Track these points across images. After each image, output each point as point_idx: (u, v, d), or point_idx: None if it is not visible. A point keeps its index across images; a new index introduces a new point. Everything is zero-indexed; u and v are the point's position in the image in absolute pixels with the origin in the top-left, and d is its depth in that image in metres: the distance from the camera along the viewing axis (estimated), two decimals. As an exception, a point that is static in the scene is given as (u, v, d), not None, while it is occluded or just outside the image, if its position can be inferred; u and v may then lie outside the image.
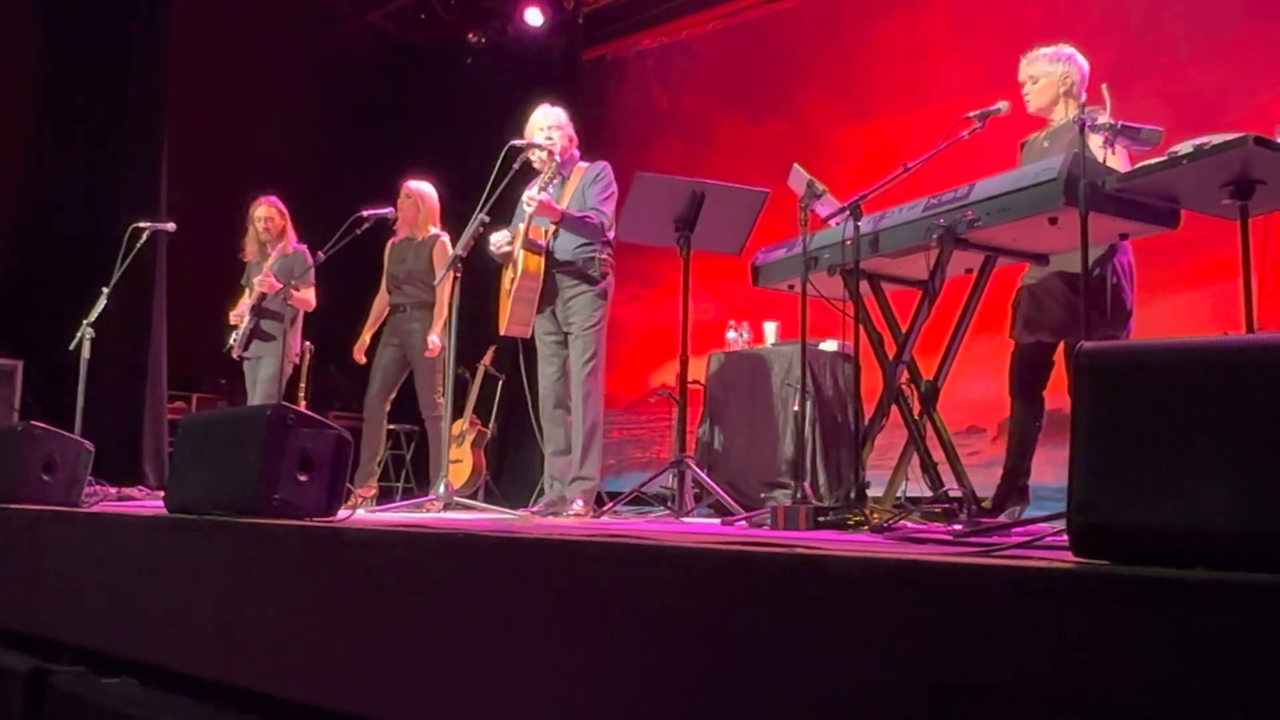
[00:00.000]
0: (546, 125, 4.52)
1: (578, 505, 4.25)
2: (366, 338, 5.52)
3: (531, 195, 4.35)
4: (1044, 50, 3.79)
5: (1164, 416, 1.22)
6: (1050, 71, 3.74)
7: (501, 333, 4.52)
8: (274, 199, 5.81)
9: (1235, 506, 1.16)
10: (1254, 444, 1.16)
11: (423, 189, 5.50)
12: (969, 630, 1.25)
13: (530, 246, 4.39)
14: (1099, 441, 1.26)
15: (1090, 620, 1.16)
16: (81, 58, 7.34)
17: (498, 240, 4.46)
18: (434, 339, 5.19)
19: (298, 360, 5.71)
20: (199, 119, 7.68)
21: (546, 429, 4.60)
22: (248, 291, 5.74)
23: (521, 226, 4.41)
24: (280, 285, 5.42)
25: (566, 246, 4.40)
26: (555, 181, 4.48)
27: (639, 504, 4.72)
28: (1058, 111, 3.76)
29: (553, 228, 4.39)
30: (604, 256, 4.43)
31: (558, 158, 4.44)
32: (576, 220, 4.35)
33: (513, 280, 4.41)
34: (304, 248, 5.68)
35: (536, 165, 4.48)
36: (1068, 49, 3.78)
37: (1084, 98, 3.69)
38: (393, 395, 5.45)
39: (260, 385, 5.59)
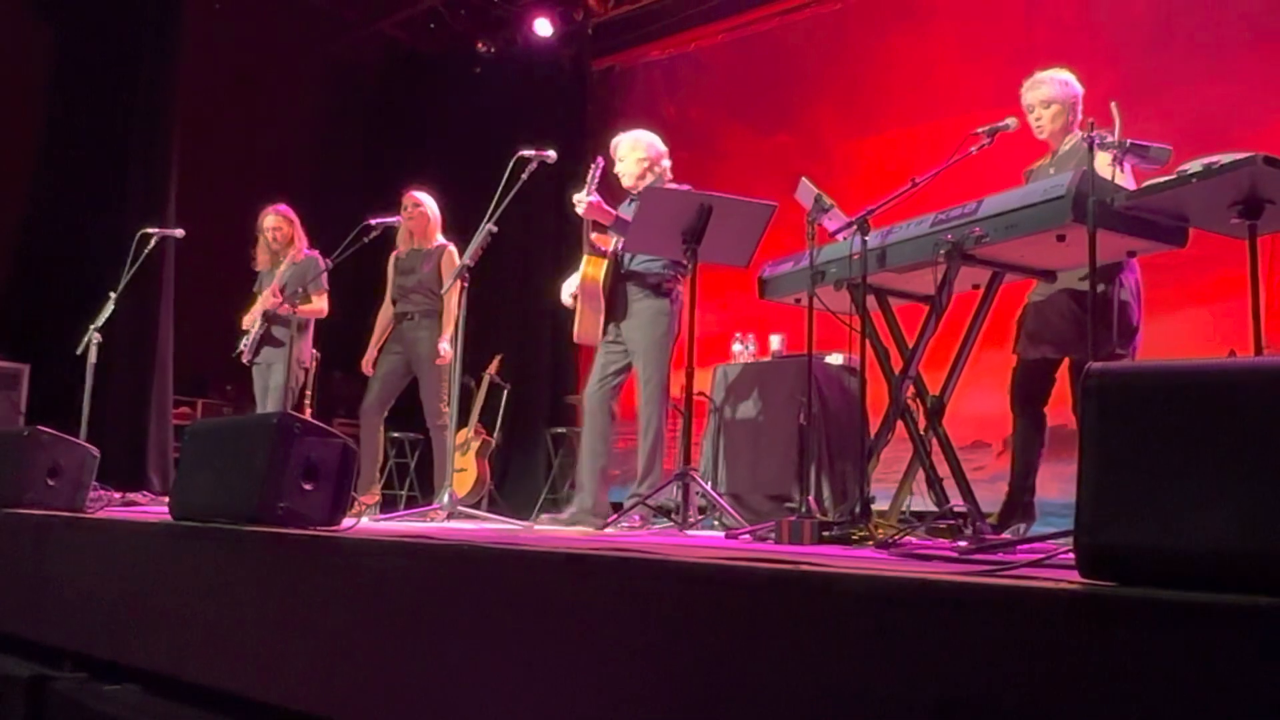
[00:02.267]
0: (617, 159, 4.60)
1: (636, 519, 4.24)
2: (374, 352, 5.51)
3: (579, 197, 4.37)
4: (1044, 75, 3.80)
5: (1172, 438, 1.22)
6: (1062, 96, 3.74)
7: (575, 340, 4.58)
8: (282, 207, 5.81)
9: (1244, 529, 1.15)
10: (1263, 467, 1.15)
11: (428, 199, 5.52)
12: (973, 650, 1.25)
13: (593, 251, 4.45)
14: (1106, 462, 1.25)
15: (1096, 642, 1.16)
16: (91, 63, 7.37)
17: (567, 289, 4.58)
18: (445, 346, 5.18)
19: (309, 367, 5.71)
20: (208, 125, 7.72)
21: (585, 428, 4.59)
22: (259, 299, 5.75)
23: (586, 235, 4.49)
24: (283, 301, 5.43)
25: (635, 259, 4.45)
26: (632, 201, 4.53)
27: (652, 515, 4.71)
28: (1067, 138, 3.76)
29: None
30: (671, 273, 4.43)
31: (624, 179, 4.55)
32: (627, 224, 4.36)
33: (580, 288, 4.48)
34: (315, 253, 5.68)
35: (626, 185, 4.59)
36: (1065, 74, 3.80)
37: (1079, 121, 3.70)
38: (390, 404, 5.44)
39: (272, 393, 5.59)
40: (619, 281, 4.43)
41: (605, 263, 4.44)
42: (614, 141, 4.65)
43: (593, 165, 4.48)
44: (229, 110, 8.06)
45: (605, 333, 4.46)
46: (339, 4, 9.02)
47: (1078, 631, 1.18)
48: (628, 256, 4.46)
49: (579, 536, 3.45)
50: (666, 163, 4.62)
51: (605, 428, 4.50)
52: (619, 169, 4.58)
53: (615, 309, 4.43)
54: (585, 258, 4.46)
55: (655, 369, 4.36)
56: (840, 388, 4.90)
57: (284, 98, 8.69)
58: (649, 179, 4.56)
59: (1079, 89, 3.78)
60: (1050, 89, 3.76)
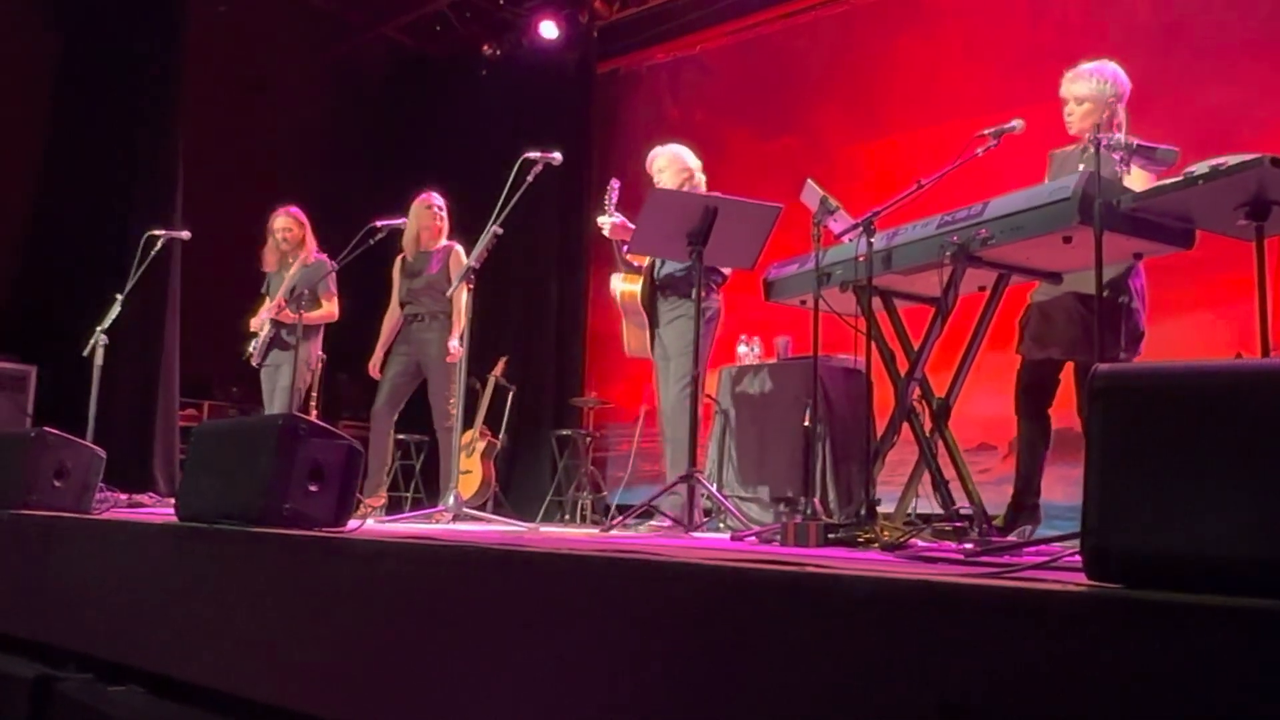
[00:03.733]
0: (653, 170, 4.68)
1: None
2: (381, 354, 5.52)
3: (603, 220, 4.53)
4: (1087, 66, 3.66)
5: (1179, 440, 1.21)
6: (1098, 94, 3.59)
7: (626, 354, 4.75)
8: (294, 209, 5.82)
9: (1252, 532, 1.15)
10: (1271, 469, 1.15)
11: (436, 199, 5.52)
12: (979, 652, 1.25)
13: (628, 268, 4.60)
14: (1113, 464, 1.25)
15: (1103, 645, 1.15)
16: (97, 66, 7.39)
17: (615, 284, 4.70)
18: (454, 344, 5.19)
19: (315, 369, 5.72)
20: (214, 128, 7.73)
21: (665, 447, 4.65)
22: (268, 300, 5.76)
23: (617, 254, 4.63)
24: (290, 314, 5.44)
25: (669, 268, 4.52)
26: None
27: (649, 517, 4.70)
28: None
29: None
30: (706, 280, 4.44)
31: (659, 183, 4.58)
32: None
33: (621, 306, 4.64)
34: (324, 257, 5.69)
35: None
36: (1111, 66, 3.65)
37: (1121, 114, 3.61)
38: (401, 406, 5.45)
39: (279, 394, 5.60)
40: (655, 291, 4.56)
41: (642, 279, 4.53)
42: (652, 154, 4.74)
43: (609, 187, 4.60)
44: (235, 113, 8.08)
45: (654, 347, 4.60)
46: (344, 7, 9.03)
47: (1084, 634, 1.17)
48: (659, 267, 4.54)
49: (584, 538, 3.45)
50: (701, 176, 4.71)
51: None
52: (659, 180, 4.63)
53: (655, 319, 4.58)
54: (623, 275, 4.60)
55: (685, 372, 4.39)
56: (845, 390, 4.89)
57: (290, 101, 8.71)
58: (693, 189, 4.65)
59: (1125, 81, 3.62)
60: (1086, 87, 3.61)
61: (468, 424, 6.71)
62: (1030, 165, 3.99)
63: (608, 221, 4.54)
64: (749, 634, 1.48)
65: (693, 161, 4.72)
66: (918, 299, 3.75)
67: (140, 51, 7.44)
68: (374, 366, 5.53)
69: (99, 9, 7.42)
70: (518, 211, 4.38)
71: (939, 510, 3.54)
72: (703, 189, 4.66)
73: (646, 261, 4.56)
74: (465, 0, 8.81)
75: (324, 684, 2.17)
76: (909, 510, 3.62)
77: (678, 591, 1.59)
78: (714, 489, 4.29)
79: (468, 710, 1.86)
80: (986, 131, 3.44)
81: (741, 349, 5.48)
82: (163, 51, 7.51)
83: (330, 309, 5.62)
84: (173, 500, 3.44)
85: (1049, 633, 1.20)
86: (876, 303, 3.63)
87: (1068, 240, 3.15)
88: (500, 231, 4.34)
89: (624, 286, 4.61)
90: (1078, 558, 1.32)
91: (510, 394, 7.41)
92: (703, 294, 4.44)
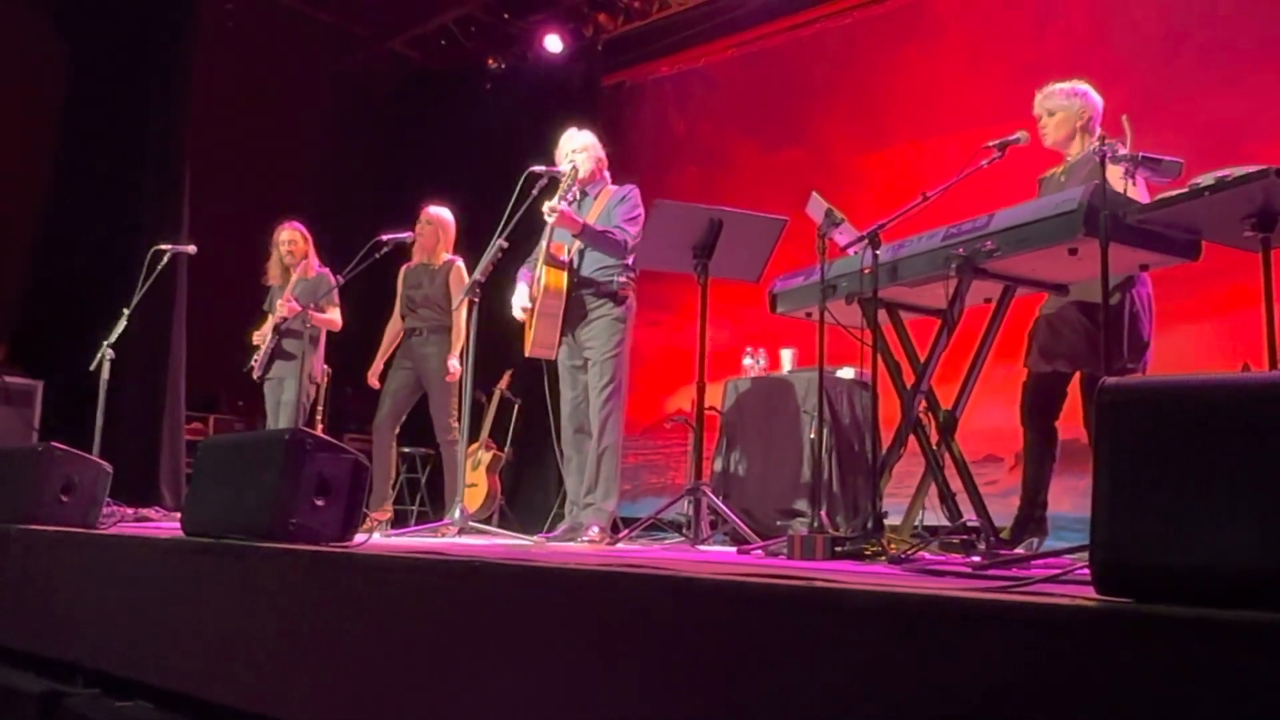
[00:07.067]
0: (570, 149, 4.55)
1: (593, 532, 4.23)
2: (380, 364, 5.54)
3: (551, 205, 4.30)
4: (1059, 86, 3.82)
5: (1187, 453, 1.21)
6: (1067, 106, 3.77)
7: (526, 354, 4.51)
8: (297, 224, 5.87)
9: (1261, 544, 1.14)
10: (1278, 482, 1.15)
11: (443, 215, 5.54)
12: (989, 667, 1.24)
13: (552, 262, 4.37)
14: (1121, 478, 1.25)
15: (1112, 659, 1.15)
16: (105, 80, 7.43)
17: (518, 303, 4.49)
18: (454, 363, 5.21)
19: (320, 381, 5.73)
20: (221, 142, 7.76)
21: (567, 453, 4.58)
22: (270, 315, 5.78)
23: (544, 244, 4.42)
24: (300, 309, 5.46)
25: (589, 266, 4.41)
26: (578, 198, 4.48)
27: (654, 530, 4.70)
28: (1074, 146, 3.77)
29: (576, 244, 4.40)
30: (623, 280, 4.42)
31: (580, 170, 4.44)
32: (598, 234, 4.34)
33: (534, 299, 4.40)
34: (326, 271, 5.72)
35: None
36: (1083, 86, 3.81)
37: (1098, 133, 3.70)
38: (402, 419, 5.46)
39: (284, 408, 5.61)
40: (575, 289, 4.39)
41: (565, 273, 4.38)
42: (570, 133, 4.63)
43: (569, 173, 4.39)
44: (241, 127, 8.10)
45: (560, 346, 4.43)
46: (350, 22, 9.07)
47: (1095, 649, 1.17)
48: (583, 265, 4.42)
49: (590, 551, 3.45)
50: (607, 173, 4.67)
51: (585, 444, 4.49)
52: (569, 161, 4.47)
53: (571, 318, 4.38)
54: (544, 269, 4.37)
55: (610, 377, 4.35)
56: (851, 402, 4.89)
57: (296, 115, 8.74)
58: (594, 180, 4.56)
59: (1096, 101, 3.78)
60: (1055, 100, 3.80)
61: (473, 437, 6.71)
62: (1036, 178, 3.99)
63: (558, 209, 4.24)
64: (756, 648, 1.47)
65: (602, 154, 4.64)
66: (923, 311, 3.75)
67: (148, 65, 7.47)
68: (373, 375, 5.54)
69: (107, 23, 7.46)
70: (524, 225, 4.38)
71: (946, 523, 3.53)
72: (609, 184, 4.60)
73: (566, 256, 4.40)
74: (470, 15, 8.84)
75: (331, 699, 2.17)
76: (916, 523, 3.61)
77: (685, 605, 1.59)
78: (720, 502, 4.28)
79: (475, 725, 1.86)
80: (992, 143, 3.45)
81: (747, 361, 5.49)
82: (170, 65, 7.54)
83: (334, 315, 5.65)
84: (179, 515, 3.44)
85: (1059, 647, 1.19)
86: (882, 315, 3.63)
87: (1073, 252, 3.15)
88: (505, 245, 4.34)
89: (549, 279, 4.35)
90: (1086, 571, 1.31)
91: (516, 407, 7.41)
92: (625, 294, 4.41)
